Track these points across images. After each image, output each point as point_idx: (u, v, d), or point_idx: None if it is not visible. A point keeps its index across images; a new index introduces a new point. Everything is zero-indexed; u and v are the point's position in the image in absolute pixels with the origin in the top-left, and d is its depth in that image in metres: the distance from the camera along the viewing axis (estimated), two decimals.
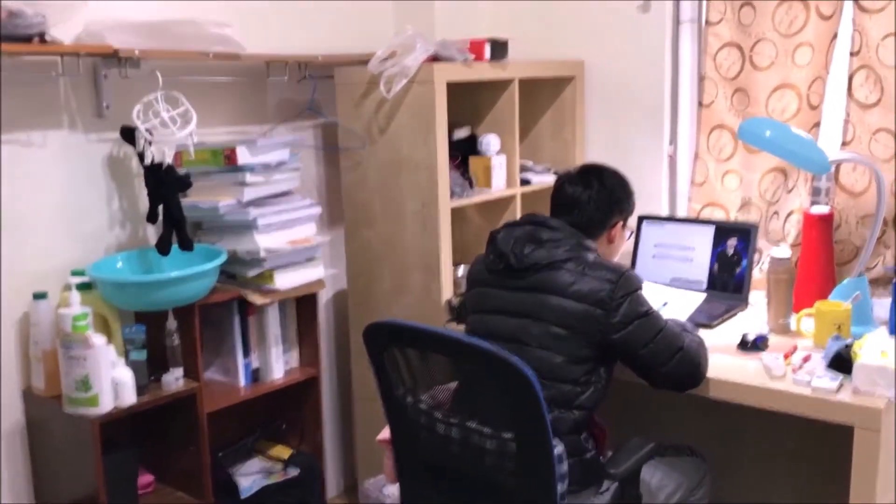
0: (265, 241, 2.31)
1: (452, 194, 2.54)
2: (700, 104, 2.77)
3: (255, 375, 2.51)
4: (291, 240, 2.38)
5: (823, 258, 2.47)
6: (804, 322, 2.27)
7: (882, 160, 2.43)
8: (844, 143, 2.51)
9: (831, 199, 2.57)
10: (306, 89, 2.67)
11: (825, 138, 2.56)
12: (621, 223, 2.13)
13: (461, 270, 2.78)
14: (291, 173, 2.45)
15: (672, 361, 1.95)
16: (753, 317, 2.49)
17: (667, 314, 2.31)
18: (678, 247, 2.73)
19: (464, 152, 2.72)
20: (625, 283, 1.92)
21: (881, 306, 2.35)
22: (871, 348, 1.93)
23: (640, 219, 2.77)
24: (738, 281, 2.61)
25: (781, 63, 2.58)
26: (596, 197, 2.06)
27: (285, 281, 2.37)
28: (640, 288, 1.96)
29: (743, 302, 2.58)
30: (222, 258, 2.23)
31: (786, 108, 2.60)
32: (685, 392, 2.02)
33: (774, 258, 2.36)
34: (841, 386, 1.93)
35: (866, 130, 2.46)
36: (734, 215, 2.77)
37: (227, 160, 2.29)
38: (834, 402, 1.89)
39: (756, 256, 2.65)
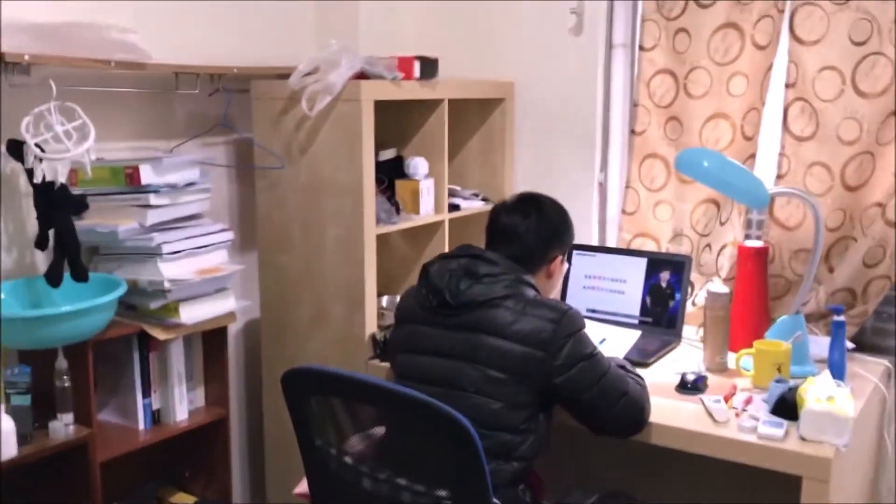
0: (170, 271, 2.10)
1: (378, 220, 2.37)
2: (632, 132, 2.68)
3: (155, 417, 2.28)
4: (200, 269, 2.17)
5: (758, 293, 2.41)
6: (743, 360, 2.19)
7: (817, 194, 2.39)
8: (779, 177, 2.46)
9: (765, 232, 2.52)
10: (219, 103, 2.47)
11: (760, 171, 2.51)
12: (561, 257, 2.00)
13: (385, 301, 2.61)
14: (201, 195, 2.24)
15: (617, 406, 1.83)
16: (688, 354, 2.41)
17: (605, 351, 2.20)
18: (610, 278, 2.63)
19: (389, 175, 2.56)
20: (568, 323, 1.79)
21: (816, 343, 2.29)
22: (817, 393, 1.86)
23: (571, 248, 2.66)
24: (671, 315, 2.52)
25: (716, 92, 2.52)
26: (535, 228, 1.94)
27: (192, 314, 2.16)
28: (583, 327, 1.83)
29: (677, 337, 2.50)
30: (121, 290, 2.00)
31: (720, 137, 2.54)
32: (627, 438, 1.90)
33: (712, 293, 2.28)
34: (787, 433, 1.84)
35: (801, 164, 2.42)
36: (665, 246, 2.69)
37: (128, 179, 2.07)
38: (781, 450, 1.80)
39: (689, 290, 2.57)
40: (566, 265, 2.04)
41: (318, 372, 1.69)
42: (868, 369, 2.28)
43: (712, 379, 2.18)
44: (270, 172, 2.44)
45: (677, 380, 2.14)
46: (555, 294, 2.05)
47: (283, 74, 2.36)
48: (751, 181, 2.22)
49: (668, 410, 1.98)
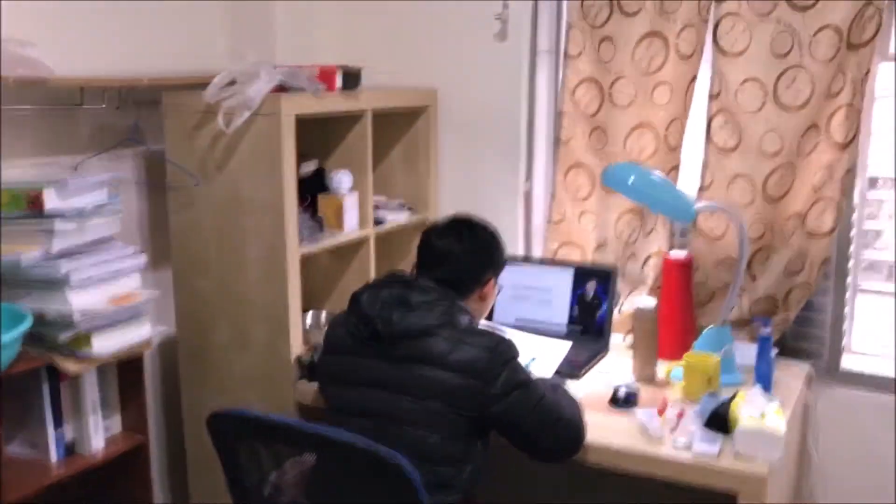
0: (80, 300, 1.97)
1: (301, 239, 2.29)
2: (557, 140, 2.66)
3: (69, 449, 2.15)
4: (112, 296, 2.05)
5: (684, 302, 2.43)
6: (674, 372, 2.19)
7: (740, 205, 2.41)
8: (702, 188, 2.48)
9: (689, 242, 2.54)
10: (127, 116, 2.33)
11: (683, 182, 2.52)
12: (494, 279, 1.96)
13: (310, 318, 2.53)
14: (111, 217, 2.11)
15: (553, 431, 1.81)
16: (617, 363, 2.42)
17: (535, 369, 2.18)
18: (537, 288, 2.61)
19: (311, 189, 2.47)
20: (503, 351, 1.75)
21: (741, 351, 2.32)
22: (750, 410, 1.88)
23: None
24: (598, 324, 2.52)
25: (641, 102, 2.52)
26: (468, 251, 1.89)
27: (105, 345, 2.03)
28: (517, 356, 1.80)
29: (604, 347, 2.50)
30: (26, 325, 1.86)
31: (644, 148, 2.55)
32: (566, 461, 1.88)
33: (640, 309, 2.29)
34: (721, 449, 1.85)
35: (725, 176, 2.44)
36: (591, 255, 2.69)
37: (30, 205, 1.93)
38: (717, 468, 1.81)
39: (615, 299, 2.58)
40: (499, 286, 2.00)
41: (246, 417, 1.60)
42: (791, 374, 2.33)
43: (643, 391, 2.18)
44: (184, 190, 2.32)
45: (609, 393, 2.14)
46: (486, 315, 2.01)
47: (197, 84, 2.24)
48: (677, 197, 2.23)
49: (602, 427, 1.97)
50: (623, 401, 2.10)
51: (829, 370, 2.48)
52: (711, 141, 2.44)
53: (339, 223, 2.45)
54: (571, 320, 2.56)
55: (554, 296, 2.58)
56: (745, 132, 2.38)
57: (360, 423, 1.73)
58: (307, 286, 2.42)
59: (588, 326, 2.53)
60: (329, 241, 2.39)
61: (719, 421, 1.93)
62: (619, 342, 2.57)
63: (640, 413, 2.01)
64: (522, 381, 1.77)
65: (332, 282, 2.63)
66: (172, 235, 2.39)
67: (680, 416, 2.02)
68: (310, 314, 2.53)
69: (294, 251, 2.24)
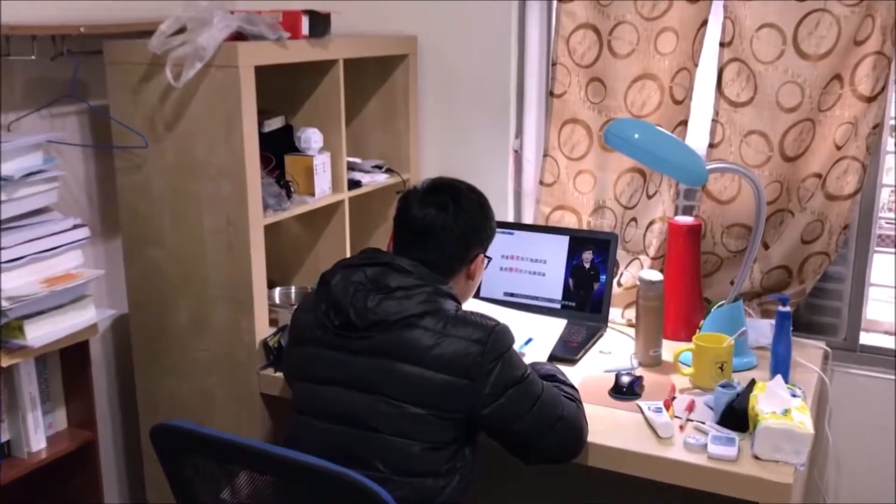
0: (9, 283, 1.72)
1: (266, 207, 2.03)
2: (551, 94, 2.40)
3: (6, 450, 1.91)
4: (48, 277, 1.80)
5: (690, 274, 2.21)
6: (682, 356, 1.98)
7: (753, 165, 2.18)
8: (712, 145, 2.24)
9: (696, 206, 2.30)
10: (65, 68, 2.04)
11: (691, 139, 2.28)
12: (482, 254, 1.72)
13: (278, 295, 2.29)
14: (47, 185, 1.85)
15: (551, 433, 1.59)
16: (617, 342, 2.20)
17: (531, 353, 1.95)
18: (529, 259, 2.38)
19: (277, 149, 2.21)
20: (496, 343, 1.52)
21: (753, 328, 2.11)
22: (771, 405, 1.66)
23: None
24: (596, 299, 2.30)
25: (643, 51, 2.26)
26: (453, 224, 1.64)
27: (40, 333, 1.79)
28: (512, 344, 1.57)
29: (603, 323, 2.28)
30: None
31: (646, 101, 2.29)
32: (563, 464, 1.67)
33: (645, 282, 2.06)
34: (739, 451, 1.64)
35: (737, 132, 2.19)
36: (587, 220, 2.45)
37: None
38: (735, 474, 1.60)
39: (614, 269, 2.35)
40: (487, 260, 1.76)
41: (195, 434, 1.37)
42: (807, 356, 2.11)
43: (647, 376, 1.96)
44: (132, 152, 2.05)
45: (609, 380, 1.93)
46: (473, 293, 1.77)
47: (142, 31, 1.97)
48: (688, 156, 1.98)
49: (602, 422, 1.76)
50: (626, 390, 1.88)
51: (846, 347, 2.28)
52: (722, 94, 2.19)
53: (309, 187, 2.19)
54: (566, 294, 2.33)
55: (547, 267, 2.35)
56: (760, 84, 2.13)
57: (328, 430, 1.51)
58: (274, 258, 2.17)
59: (584, 301, 2.31)
60: (298, 208, 2.13)
61: (736, 417, 1.72)
62: (618, 317, 2.35)
63: (646, 406, 1.80)
64: (518, 378, 1.54)
65: (302, 252, 2.38)
66: (121, 203, 2.12)
67: (690, 408, 1.81)
68: (277, 291, 2.28)
69: (258, 221, 1.99)
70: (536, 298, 2.35)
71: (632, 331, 2.25)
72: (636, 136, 1.97)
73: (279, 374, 1.99)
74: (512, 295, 2.37)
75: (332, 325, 1.57)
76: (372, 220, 2.54)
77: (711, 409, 1.80)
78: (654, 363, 2.06)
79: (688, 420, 1.77)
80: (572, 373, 1.95)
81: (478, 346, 1.50)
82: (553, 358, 2.04)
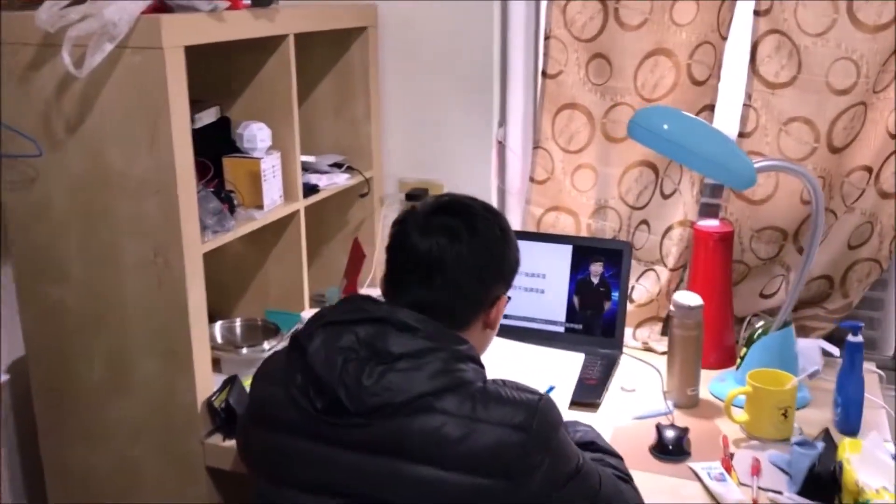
0: None
1: (204, 228, 1.57)
2: (543, 74, 2.00)
3: None
4: None
5: (720, 288, 1.86)
6: (737, 400, 1.61)
7: (796, 159, 1.82)
8: (743, 135, 1.88)
9: (723, 207, 1.94)
10: None
11: (718, 127, 1.90)
12: (505, 296, 1.31)
13: (218, 331, 1.84)
14: None
15: None
16: (637, 374, 1.83)
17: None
18: (524, 272, 1.95)
19: (212, 150, 1.74)
20: (543, 427, 1.12)
21: (800, 352, 1.77)
22: (875, 472, 1.31)
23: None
24: (607, 319, 1.92)
25: (657, 20, 1.87)
26: (468, 256, 1.22)
27: None
28: (560, 424, 1.17)
29: (617, 349, 1.90)
30: None
31: (659, 82, 1.91)
32: None
33: (682, 307, 1.69)
34: None
35: (774, 119, 1.83)
36: (586, 222, 2.07)
37: None
38: None
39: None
40: (504, 306, 1.34)
41: None
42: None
43: (687, 423, 1.60)
44: (24, 162, 1.56)
45: (646, 432, 1.56)
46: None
47: (29, 3, 1.47)
48: (732, 153, 1.60)
49: (653, 496, 1.38)
50: (673, 448, 1.51)
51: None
52: (757, 73, 1.82)
53: (255, 197, 1.74)
54: (570, 315, 1.95)
55: (547, 282, 1.96)
56: (805, 61, 1.77)
57: None
58: (211, 282, 1.72)
59: (593, 322, 1.93)
60: (244, 226, 1.68)
61: (820, 485, 1.37)
62: (629, 338, 1.98)
63: (706, 474, 1.44)
64: (572, 471, 1.15)
65: (246, 275, 1.93)
66: (10, 226, 1.63)
67: (756, 470, 1.45)
68: (218, 327, 1.83)
69: (195, 248, 1.53)
70: (534, 321, 1.96)
71: (651, 356, 1.90)
72: (665, 126, 1.59)
73: (231, 443, 1.55)
74: (506, 317, 1.96)
75: (312, 409, 1.14)
76: (326, 231, 2.11)
77: (784, 471, 1.45)
78: (692, 404, 1.70)
79: (759, 489, 1.41)
80: (596, 423, 1.57)
81: (519, 433, 1.10)
82: (573, 404, 1.67)
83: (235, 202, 1.68)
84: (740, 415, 1.59)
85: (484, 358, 1.25)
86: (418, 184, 2.16)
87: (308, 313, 1.78)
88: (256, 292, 1.94)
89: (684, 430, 1.55)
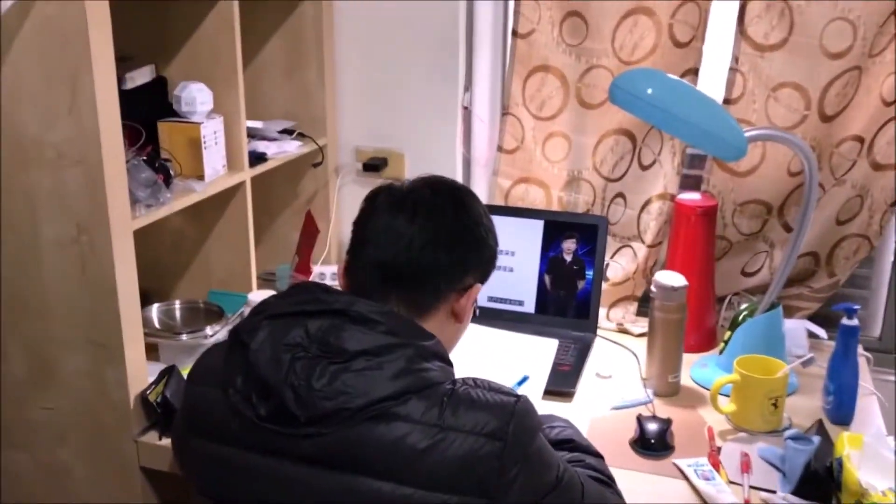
0: None
1: (136, 202, 1.40)
2: (514, 33, 1.84)
3: None
4: None
5: (702, 266, 1.74)
6: (724, 389, 1.49)
7: (785, 127, 1.70)
8: (728, 101, 1.74)
9: (706, 179, 1.81)
10: None
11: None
12: (479, 284, 1.16)
13: (155, 315, 1.67)
14: None
15: None
16: (613, 358, 1.70)
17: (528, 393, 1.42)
18: None
19: (145, 113, 1.56)
20: (520, 434, 0.98)
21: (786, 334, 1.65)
22: (878, 471, 1.20)
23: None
24: (581, 300, 1.79)
25: None
26: (445, 241, 1.07)
27: None
28: (539, 428, 1.03)
29: (591, 331, 1.77)
30: None
31: (639, 42, 1.77)
32: None
33: (664, 287, 1.56)
34: None
35: (763, 84, 1.70)
36: (557, 195, 1.93)
37: None
38: None
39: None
40: (476, 296, 1.19)
41: None
42: None
43: (668, 412, 1.48)
44: None
45: (625, 425, 1.44)
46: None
47: None
48: (722, 121, 1.47)
49: (637, 497, 1.26)
50: (656, 443, 1.39)
51: (884, 348, 1.86)
52: (745, 34, 1.69)
53: (195, 167, 1.56)
54: (541, 295, 1.81)
55: (516, 260, 1.82)
56: (798, 21, 1.64)
57: None
58: (147, 261, 1.54)
59: (565, 303, 1.79)
60: (182, 199, 1.50)
61: (816, 483, 1.25)
62: (603, 320, 1.85)
63: (693, 472, 1.32)
64: (552, 481, 1.01)
65: (186, 253, 1.76)
66: None
67: (746, 467, 1.33)
68: (154, 310, 1.66)
69: (124, 225, 1.35)
70: (503, 301, 1.82)
71: (627, 339, 1.77)
72: (650, 90, 1.44)
73: (167, 442, 1.39)
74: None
75: (254, 416, 0.98)
76: (276, 204, 1.94)
77: (776, 467, 1.33)
78: (673, 392, 1.58)
79: (750, 488, 1.29)
80: (572, 413, 1.45)
81: (494, 443, 0.95)
82: (546, 392, 1.53)
83: (172, 172, 1.50)
84: (727, 405, 1.47)
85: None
86: (376, 153, 1.99)
87: (256, 294, 1.61)
88: (199, 272, 1.76)
89: (667, 422, 1.42)
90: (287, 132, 1.85)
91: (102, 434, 1.44)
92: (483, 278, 1.15)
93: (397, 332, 1.00)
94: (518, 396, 1.01)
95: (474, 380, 1.03)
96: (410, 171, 1.99)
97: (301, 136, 1.88)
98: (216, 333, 1.60)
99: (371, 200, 1.11)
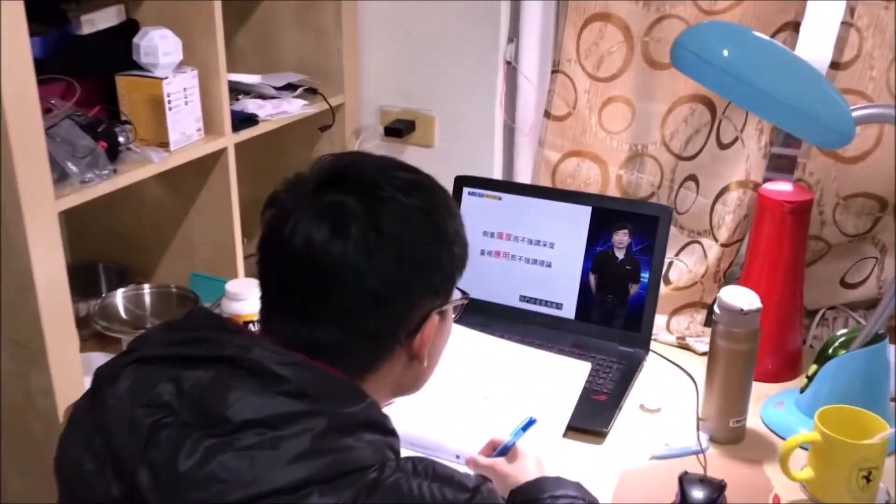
0: None
1: (66, 176, 1.14)
2: None
3: None
4: None
5: (790, 275, 1.38)
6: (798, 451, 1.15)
7: None
8: (837, 66, 1.35)
9: (801, 166, 1.43)
10: None
11: (803, 54, 1.37)
12: (437, 312, 0.84)
13: (121, 303, 1.43)
14: None
15: None
16: (665, 386, 1.37)
17: (534, 439, 1.11)
18: (526, 239, 1.51)
19: (109, 63, 1.30)
20: None
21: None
22: None
23: (459, 183, 1.52)
24: (632, 309, 1.45)
25: None
26: (368, 258, 0.76)
27: None
28: None
29: (643, 348, 1.44)
30: None
31: None
32: None
33: (730, 310, 1.20)
34: None
35: (885, 44, 1.31)
36: (615, 174, 1.58)
37: None
38: None
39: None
40: (450, 317, 0.88)
41: None
42: None
43: (724, 466, 1.15)
44: None
45: (665, 481, 1.11)
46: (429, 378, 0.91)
47: None
48: (822, 96, 1.10)
49: None
50: None
51: None
52: None
53: (158, 132, 1.30)
54: (584, 298, 1.48)
55: (555, 253, 1.49)
56: None
57: None
58: (127, 234, 1.31)
59: (613, 310, 1.46)
60: (132, 173, 1.24)
61: None
62: (661, 332, 1.52)
63: None
64: None
65: (167, 227, 1.51)
66: None
67: None
68: (119, 297, 1.42)
69: (44, 205, 1.10)
70: (537, 302, 1.50)
71: (688, 359, 1.43)
72: (725, 52, 1.09)
73: None
74: (498, 295, 1.52)
75: (106, 494, 0.72)
76: (277, 174, 1.64)
77: None
78: (735, 439, 1.24)
79: None
80: (599, 459, 1.14)
81: None
82: (570, 429, 1.22)
83: (123, 139, 1.23)
84: (802, 470, 1.12)
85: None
86: (403, 114, 1.69)
87: (236, 284, 1.33)
88: (181, 250, 1.52)
89: (719, 488, 1.09)
90: (291, 87, 1.56)
91: (34, 444, 1.22)
92: (444, 300, 0.84)
93: (309, 392, 0.71)
94: (473, 489, 0.71)
95: (415, 464, 0.73)
96: (441, 136, 1.68)
97: (312, 93, 1.59)
98: None
99: (272, 206, 0.80)
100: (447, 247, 0.82)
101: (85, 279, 1.51)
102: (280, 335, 0.76)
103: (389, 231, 0.76)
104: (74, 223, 1.57)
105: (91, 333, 1.41)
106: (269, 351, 0.73)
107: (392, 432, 0.76)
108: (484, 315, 1.46)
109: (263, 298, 0.80)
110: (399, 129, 1.66)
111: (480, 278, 1.51)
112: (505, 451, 1.08)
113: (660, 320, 1.51)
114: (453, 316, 0.89)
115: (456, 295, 0.87)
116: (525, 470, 1.04)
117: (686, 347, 1.48)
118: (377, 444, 0.73)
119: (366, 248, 0.75)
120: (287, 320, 0.77)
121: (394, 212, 0.77)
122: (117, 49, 1.31)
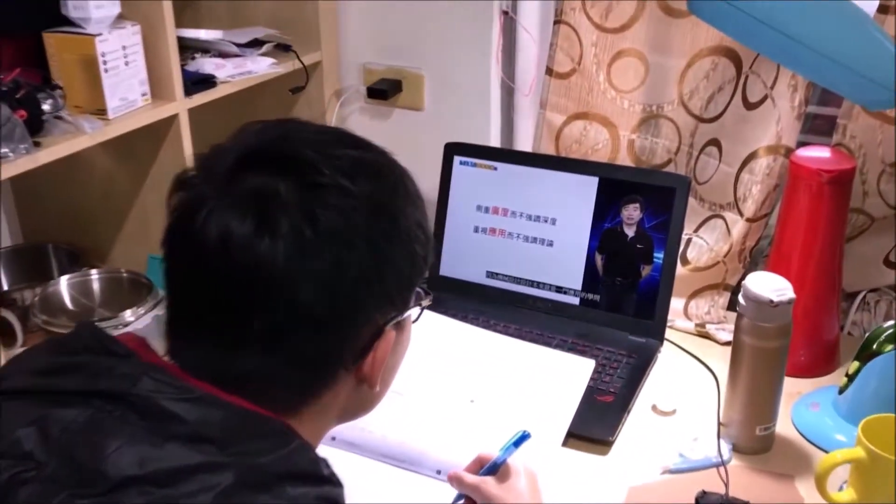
0: None
1: None
2: None
3: None
4: None
5: (825, 255, 1.19)
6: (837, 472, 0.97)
7: None
8: (886, 11, 1.15)
9: (843, 128, 1.23)
10: None
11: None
12: (391, 326, 0.67)
13: (65, 289, 1.27)
14: None
15: None
16: (681, 382, 1.20)
17: (528, 452, 0.95)
18: (525, 214, 1.33)
19: (36, 20, 1.13)
20: None
21: None
22: None
23: (449, 151, 1.34)
24: (644, 293, 1.28)
25: None
26: (299, 260, 0.59)
27: None
28: None
29: (657, 338, 1.27)
30: None
31: None
32: None
33: (756, 299, 1.02)
34: None
35: None
36: (627, 138, 1.40)
37: None
38: None
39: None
40: (409, 327, 0.71)
41: None
42: None
43: (748, 480, 0.98)
44: None
45: (676, 499, 0.95)
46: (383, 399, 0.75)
47: None
48: (866, 44, 0.91)
49: None
50: None
51: None
52: None
53: (94, 97, 1.13)
54: (590, 280, 1.30)
55: (558, 231, 1.32)
56: None
57: None
58: (75, 211, 1.14)
59: (622, 294, 1.29)
60: (58, 147, 1.07)
61: None
62: (678, 319, 1.34)
63: None
64: None
65: (117, 201, 1.35)
66: None
67: None
68: (64, 284, 1.26)
69: None
70: (537, 285, 1.33)
71: (708, 349, 1.26)
72: None
73: None
74: (494, 276, 1.35)
75: None
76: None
77: None
78: (762, 448, 1.07)
79: None
80: (602, 473, 0.98)
81: None
82: (571, 436, 1.06)
83: (53, 106, 1.07)
84: (843, 491, 0.95)
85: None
86: (388, 73, 1.51)
87: None
88: (136, 229, 1.36)
89: None
90: (258, 44, 1.38)
91: None
92: (402, 308, 0.67)
93: (212, 436, 0.55)
94: None
95: None
96: (431, 98, 1.50)
97: (283, 49, 1.41)
98: (139, 318, 1.20)
99: (180, 189, 0.64)
100: (405, 245, 0.64)
101: (32, 262, 1.36)
102: (186, 361, 0.60)
103: (329, 227, 0.59)
104: (23, 200, 1.42)
105: (37, 325, 1.26)
106: (163, 383, 0.57)
107: (327, 480, 0.60)
108: (477, 300, 1.31)
109: (169, 310, 0.64)
110: (384, 89, 1.48)
111: (473, 258, 1.35)
112: (494, 468, 0.92)
113: (676, 304, 1.33)
114: (414, 321, 0.72)
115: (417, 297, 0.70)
116: (516, 492, 0.89)
117: (706, 336, 1.31)
118: (305, 498, 0.57)
119: (299, 250, 0.58)
120: (198, 341, 0.60)
121: (335, 202, 0.60)
122: (46, 1, 1.14)
